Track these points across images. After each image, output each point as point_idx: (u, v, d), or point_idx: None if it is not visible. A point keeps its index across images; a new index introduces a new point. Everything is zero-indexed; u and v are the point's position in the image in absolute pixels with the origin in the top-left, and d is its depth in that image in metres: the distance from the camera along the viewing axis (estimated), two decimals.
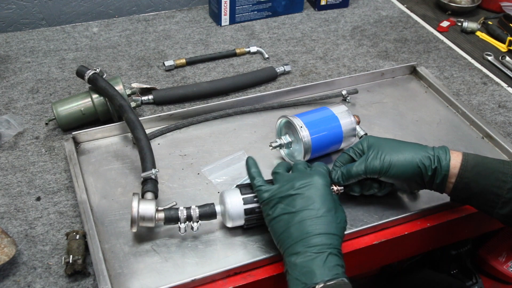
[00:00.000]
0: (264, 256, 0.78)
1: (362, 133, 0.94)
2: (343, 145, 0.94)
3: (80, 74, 1.00)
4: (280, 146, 0.92)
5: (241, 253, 0.80)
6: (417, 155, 0.79)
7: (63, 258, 0.77)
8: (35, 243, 0.82)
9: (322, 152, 0.93)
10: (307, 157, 0.90)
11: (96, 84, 0.98)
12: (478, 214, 0.90)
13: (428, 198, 0.90)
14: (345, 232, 0.80)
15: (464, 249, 1.25)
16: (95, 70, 0.99)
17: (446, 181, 0.79)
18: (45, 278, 0.77)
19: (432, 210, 0.88)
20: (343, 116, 0.92)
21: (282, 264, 0.78)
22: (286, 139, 0.92)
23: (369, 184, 0.85)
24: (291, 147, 0.93)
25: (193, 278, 0.74)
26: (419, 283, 1.13)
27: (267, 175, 0.81)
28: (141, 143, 0.87)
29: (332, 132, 0.91)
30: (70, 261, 0.75)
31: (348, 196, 0.89)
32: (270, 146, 0.92)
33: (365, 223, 0.84)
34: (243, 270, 0.77)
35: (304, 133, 0.88)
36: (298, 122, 0.89)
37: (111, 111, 1.00)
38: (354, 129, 0.93)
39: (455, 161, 0.79)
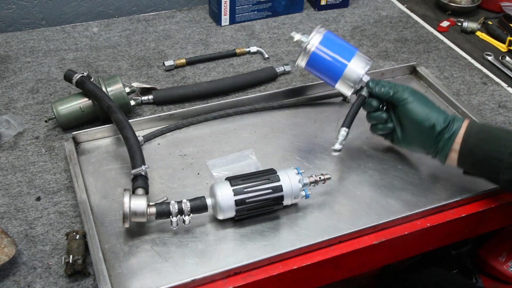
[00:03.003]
0: (264, 256, 0.78)
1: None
2: (338, 85, 0.93)
3: (67, 78, 1.00)
4: (297, 41, 0.93)
5: (241, 253, 0.80)
6: (438, 111, 0.88)
7: (63, 258, 0.77)
8: (35, 243, 0.82)
9: (318, 68, 0.93)
10: (304, 62, 0.92)
11: (84, 87, 0.98)
12: (477, 215, 0.90)
13: (428, 198, 0.90)
14: (345, 232, 0.82)
15: (464, 249, 1.24)
16: (83, 73, 1.00)
17: (454, 138, 0.85)
18: (45, 278, 0.77)
19: (432, 210, 0.88)
20: (360, 63, 0.91)
21: (282, 264, 0.78)
22: (305, 37, 0.92)
23: (381, 113, 0.92)
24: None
25: (193, 278, 0.74)
26: (425, 281, 1.13)
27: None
28: (130, 142, 0.88)
29: (337, 60, 0.91)
30: (70, 261, 0.75)
31: (349, 196, 0.89)
32: (292, 37, 0.93)
33: (365, 223, 0.84)
34: (243, 270, 0.77)
35: (314, 39, 0.90)
36: (320, 30, 0.92)
37: (99, 113, 1.00)
38: (359, 76, 0.91)
39: (463, 126, 0.85)
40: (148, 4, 1.43)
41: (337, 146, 0.87)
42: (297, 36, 0.93)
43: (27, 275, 0.77)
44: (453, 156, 0.86)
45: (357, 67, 0.91)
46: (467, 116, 1.06)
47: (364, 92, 0.92)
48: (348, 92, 0.93)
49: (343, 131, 0.88)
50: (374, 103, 0.91)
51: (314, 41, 0.91)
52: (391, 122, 0.92)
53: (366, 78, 0.91)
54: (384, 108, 0.93)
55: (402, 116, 0.90)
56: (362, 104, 0.92)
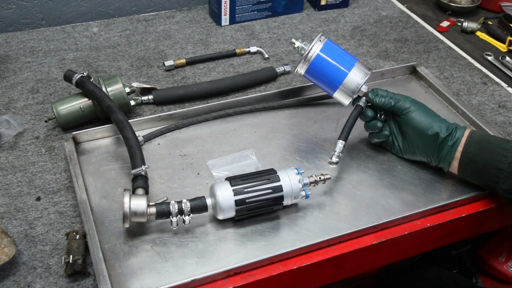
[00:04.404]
0: (264, 256, 0.78)
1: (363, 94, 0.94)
2: (336, 94, 0.94)
3: (67, 78, 1.00)
4: (297, 48, 0.93)
5: (241, 253, 0.80)
6: (440, 119, 0.90)
7: (63, 258, 0.77)
8: (35, 243, 0.82)
9: (317, 76, 0.94)
10: (303, 69, 0.93)
11: (84, 87, 0.98)
12: (477, 214, 0.90)
13: (428, 198, 0.90)
14: (345, 232, 0.82)
15: (464, 249, 1.25)
16: (82, 73, 1.00)
17: (457, 146, 0.86)
18: (45, 278, 0.77)
19: (432, 210, 0.88)
20: (360, 73, 0.92)
21: (282, 264, 0.78)
22: (306, 44, 0.93)
23: (376, 122, 0.93)
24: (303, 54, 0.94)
25: (193, 278, 0.74)
26: (424, 280, 1.13)
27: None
28: (130, 142, 0.88)
29: (337, 69, 0.92)
30: (70, 261, 0.75)
31: (349, 196, 0.89)
32: (293, 43, 0.94)
33: (365, 223, 0.84)
34: (243, 270, 0.77)
35: (315, 47, 0.91)
36: (320, 38, 0.92)
37: (99, 113, 1.00)
38: (358, 86, 0.92)
39: (465, 135, 0.87)
40: (148, 4, 1.43)
41: (334, 159, 0.88)
42: (297, 43, 0.94)
43: (27, 275, 0.77)
44: (455, 164, 0.87)
45: (357, 77, 0.92)
46: (467, 116, 1.06)
47: (361, 103, 0.93)
48: (346, 101, 0.94)
49: (340, 143, 0.89)
50: (370, 113, 0.92)
51: (315, 49, 0.91)
52: (387, 130, 0.94)
53: (364, 88, 0.93)
54: (382, 117, 0.94)
55: (404, 125, 0.91)
56: (359, 115, 0.93)
